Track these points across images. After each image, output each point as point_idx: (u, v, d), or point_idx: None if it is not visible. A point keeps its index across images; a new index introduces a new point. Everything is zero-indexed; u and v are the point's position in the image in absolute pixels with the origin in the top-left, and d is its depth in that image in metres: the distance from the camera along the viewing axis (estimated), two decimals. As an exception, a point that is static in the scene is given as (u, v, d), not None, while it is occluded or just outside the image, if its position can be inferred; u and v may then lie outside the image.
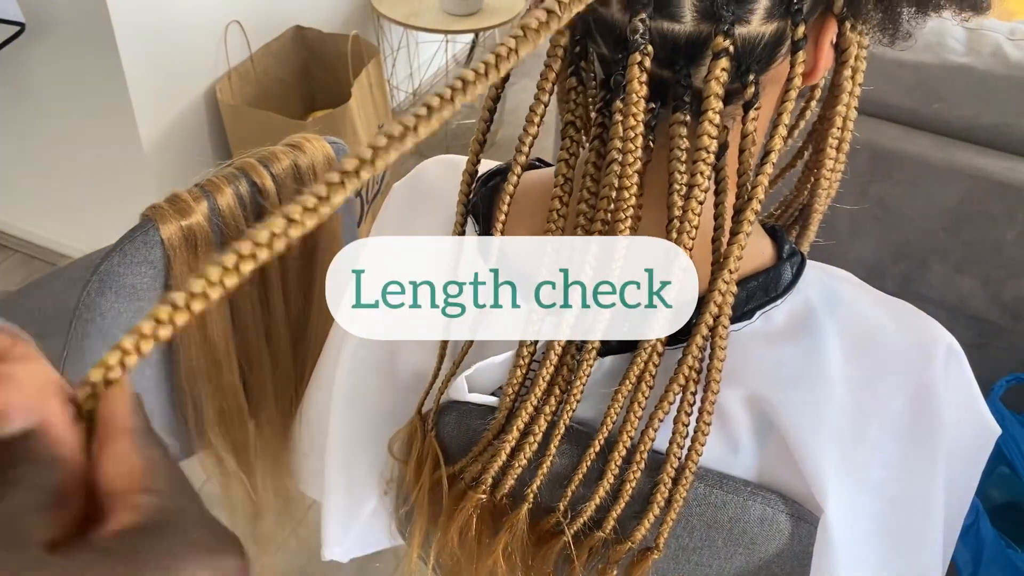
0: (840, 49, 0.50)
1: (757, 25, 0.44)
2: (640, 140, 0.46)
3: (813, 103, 0.61)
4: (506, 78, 0.53)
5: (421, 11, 2.32)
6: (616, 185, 0.47)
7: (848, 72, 0.52)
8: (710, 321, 0.50)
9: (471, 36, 2.96)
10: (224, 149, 2.01)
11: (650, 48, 0.44)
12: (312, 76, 2.20)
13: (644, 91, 0.45)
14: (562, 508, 0.57)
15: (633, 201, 0.47)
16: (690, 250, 0.48)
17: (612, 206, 0.48)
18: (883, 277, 1.43)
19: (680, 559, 0.59)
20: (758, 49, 0.46)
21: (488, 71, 0.28)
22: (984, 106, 1.27)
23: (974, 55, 1.27)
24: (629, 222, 0.48)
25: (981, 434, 0.59)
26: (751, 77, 0.46)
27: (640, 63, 0.44)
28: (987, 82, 1.25)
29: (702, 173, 0.47)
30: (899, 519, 0.55)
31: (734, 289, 0.50)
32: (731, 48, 0.44)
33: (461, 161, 0.65)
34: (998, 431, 0.59)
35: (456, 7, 2.31)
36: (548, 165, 0.62)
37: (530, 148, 0.51)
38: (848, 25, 0.49)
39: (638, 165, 0.47)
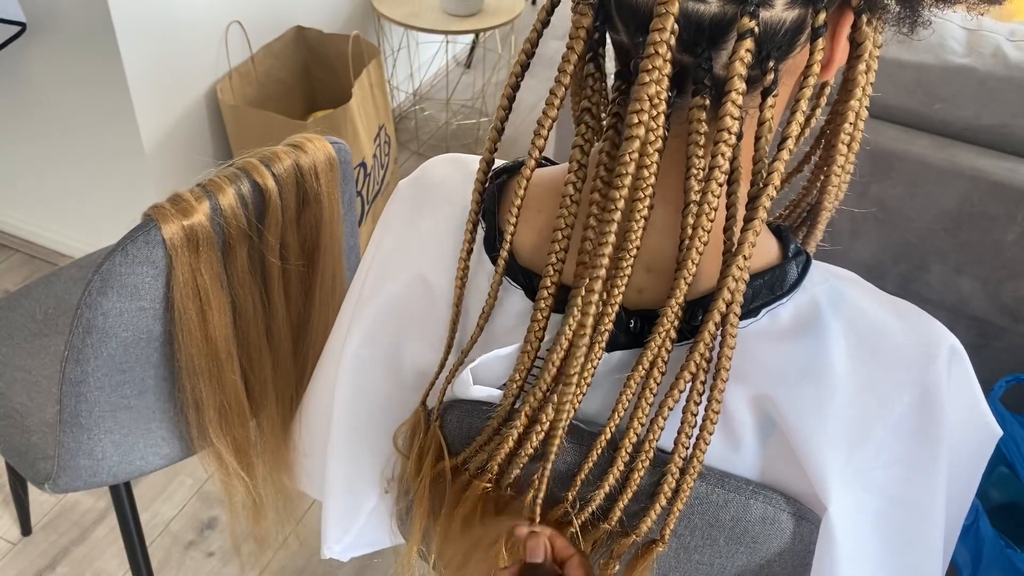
0: (856, 43, 0.51)
1: (780, 10, 0.45)
2: (661, 119, 0.46)
3: (819, 110, 0.61)
4: (526, 67, 0.54)
5: (421, 12, 2.33)
6: (635, 166, 0.47)
7: (863, 67, 0.52)
8: (723, 308, 0.50)
9: (471, 37, 2.97)
10: (225, 149, 2.01)
11: (676, 26, 0.44)
12: (313, 76, 2.20)
13: (668, 69, 0.45)
14: (570, 498, 0.57)
15: (652, 180, 0.48)
16: (708, 233, 0.49)
17: (628, 191, 0.48)
18: (883, 278, 1.44)
19: (681, 558, 0.59)
20: (779, 35, 0.46)
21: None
22: (984, 107, 1.27)
23: (974, 56, 1.27)
24: (648, 201, 0.48)
25: (983, 435, 0.59)
26: (771, 64, 0.47)
27: (666, 41, 0.44)
28: (987, 83, 1.25)
29: (723, 155, 0.47)
30: (901, 518, 0.56)
31: (747, 277, 0.50)
32: (755, 30, 0.44)
33: (466, 159, 0.66)
34: (1000, 433, 0.60)
35: (456, 8, 2.32)
36: (553, 163, 0.62)
37: (548, 131, 0.51)
38: (864, 19, 0.49)
39: (659, 144, 0.47)
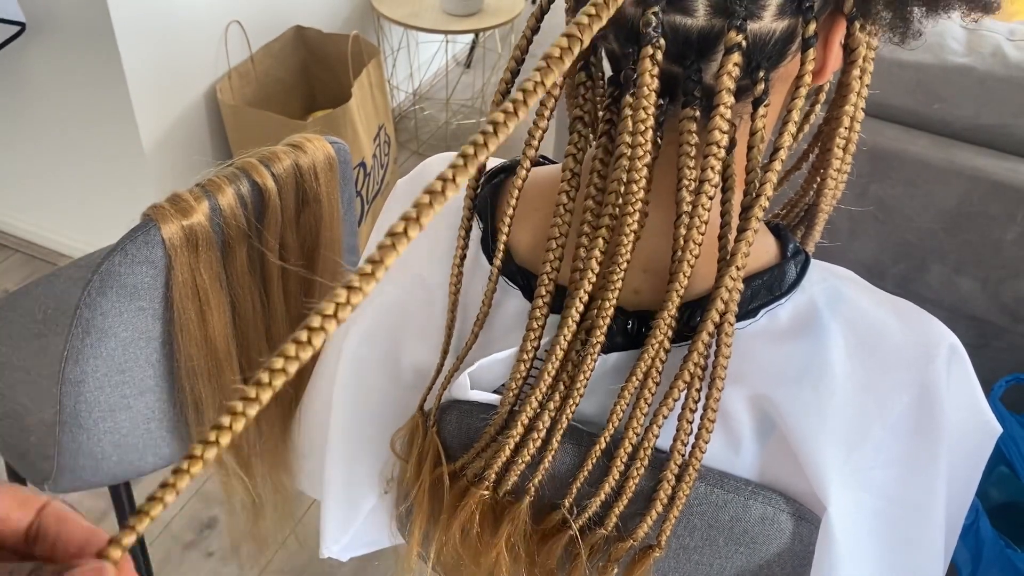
0: (849, 49, 0.51)
1: (769, 21, 0.45)
2: (650, 134, 0.46)
3: (817, 107, 0.61)
4: (516, 73, 0.54)
5: (421, 11, 2.32)
6: (624, 179, 0.47)
7: (857, 72, 0.52)
8: (716, 318, 0.50)
9: (471, 36, 2.96)
10: (224, 149, 2.01)
11: (662, 41, 0.44)
12: (312, 76, 2.20)
13: (655, 84, 0.45)
14: (567, 504, 0.57)
15: (642, 195, 0.48)
16: (699, 245, 0.49)
17: (620, 200, 0.48)
18: (882, 278, 1.44)
19: (681, 558, 0.59)
20: (769, 46, 0.46)
21: (517, 108, 0.29)
22: (984, 107, 1.27)
23: (974, 56, 1.27)
24: (637, 216, 0.48)
25: (983, 434, 0.59)
26: (761, 74, 0.47)
27: (652, 56, 0.44)
28: (987, 83, 1.25)
29: (712, 168, 0.47)
30: (900, 518, 0.56)
31: (740, 286, 0.50)
32: (743, 43, 0.44)
33: None
34: (1000, 430, 0.59)
35: (456, 7, 2.32)
36: (552, 162, 0.62)
37: (539, 142, 0.51)
38: (857, 25, 0.49)
39: (647, 159, 0.47)
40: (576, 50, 0.28)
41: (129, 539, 0.32)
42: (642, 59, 0.44)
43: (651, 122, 0.46)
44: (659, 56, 0.44)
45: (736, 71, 0.45)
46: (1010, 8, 1.70)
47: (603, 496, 0.56)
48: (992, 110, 1.27)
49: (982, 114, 1.28)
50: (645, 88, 0.45)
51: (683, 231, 0.48)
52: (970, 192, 1.29)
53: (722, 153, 0.47)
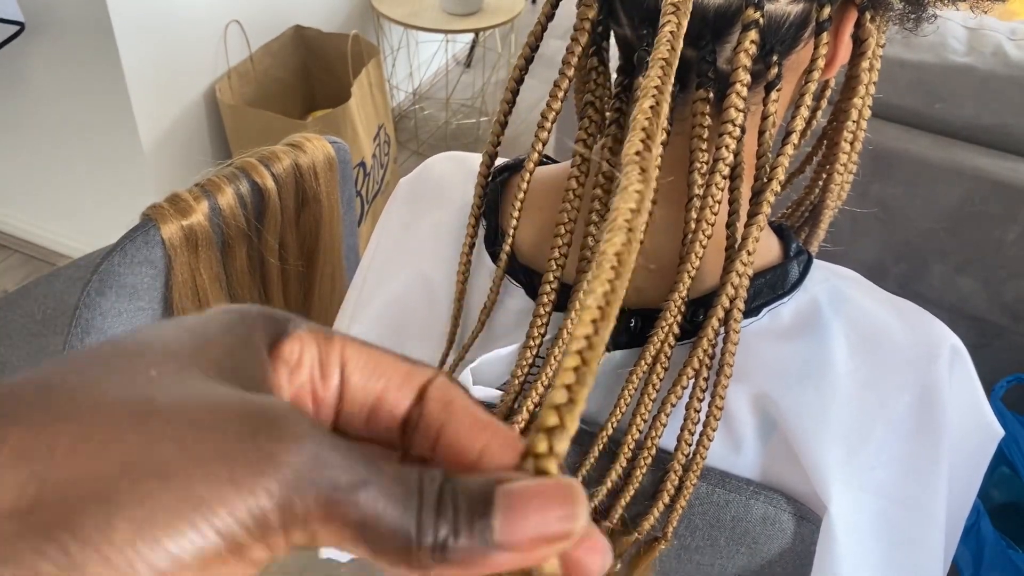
0: (859, 40, 0.51)
1: (785, 3, 0.45)
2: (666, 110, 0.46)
3: (823, 102, 0.61)
4: (524, 71, 0.53)
5: (421, 11, 2.32)
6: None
7: (866, 64, 0.52)
8: (726, 304, 0.49)
9: (471, 36, 2.96)
10: (224, 149, 2.01)
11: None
12: (312, 76, 2.20)
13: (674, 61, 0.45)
14: None
15: (657, 173, 0.47)
16: (711, 226, 0.48)
17: None
18: (884, 277, 1.43)
19: (682, 558, 0.59)
20: (783, 29, 0.46)
21: (658, 114, 0.27)
22: (985, 106, 1.27)
23: (975, 55, 1.27)
24: (651, 195, 0.48)
25: (984, 435, 0.59)
26: (774, 58, 0.47)
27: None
28: (988, 82, 1.25)
29: (727, 147, 0.47)
30: (902, 518, 0.55)
31: (750, 273, 0.49)
32: (760, 20, 0.44)
33: (467, 157, 0.66)
34: (1001, 433, 0.59)
35: (456, 7, 2.31)
36: (555, 161, 0.62)
37: (552, 123, 0.51)
38: (868, 16, 0.49)
39: (663, 136, 0.47)
40: (681, 38, 0.29)
41: (562, 444, 0.21)
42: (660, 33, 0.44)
43: (667, 98, 0.46)
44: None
45: (753, 49, 0.45)
46: (1011, 7, 1.70)
47: (608, 487, 0.55)
48: (993, 110, 1.27)
49: (983, 114, 1.27)
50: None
51: (694, 214, 0.48)
52: (971, 192, 1.29)
53: (737, 132, 0.47)
